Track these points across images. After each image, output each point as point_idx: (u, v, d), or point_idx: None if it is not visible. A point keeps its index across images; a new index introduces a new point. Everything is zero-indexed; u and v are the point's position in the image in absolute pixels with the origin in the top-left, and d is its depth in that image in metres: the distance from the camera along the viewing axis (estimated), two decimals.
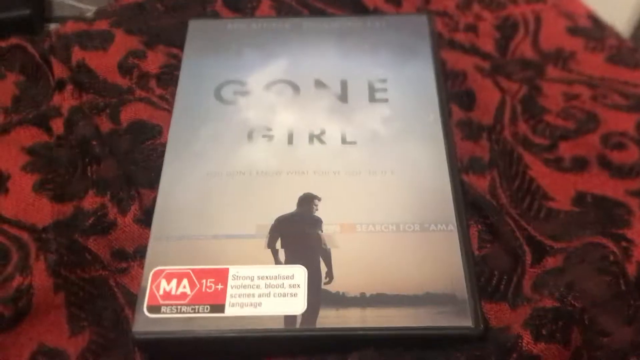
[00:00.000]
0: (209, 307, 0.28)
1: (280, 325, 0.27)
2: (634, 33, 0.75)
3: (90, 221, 0.32)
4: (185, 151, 0.33)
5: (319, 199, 0.31)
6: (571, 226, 0.32)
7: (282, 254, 0.29)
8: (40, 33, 0.41)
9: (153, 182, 0.33)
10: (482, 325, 0.28)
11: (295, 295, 0.28)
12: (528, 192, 0.33)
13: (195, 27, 0.40)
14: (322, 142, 0.34)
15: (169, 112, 0.36)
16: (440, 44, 0.40)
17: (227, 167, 0.33)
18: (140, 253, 0.31)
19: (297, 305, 0.28)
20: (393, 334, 0.28)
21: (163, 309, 0.28)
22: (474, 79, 0.38)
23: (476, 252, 0.31)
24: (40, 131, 0.35)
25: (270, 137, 0.34)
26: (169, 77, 0.38)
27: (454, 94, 0.38)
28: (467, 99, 0.37)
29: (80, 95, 0.37)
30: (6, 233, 0.31)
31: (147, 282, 0.29)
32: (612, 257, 0.30)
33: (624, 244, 0.31)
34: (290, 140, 0.34)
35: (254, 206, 0.31)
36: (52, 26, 0.42)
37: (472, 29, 0.41)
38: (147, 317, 0.28)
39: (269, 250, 0.30)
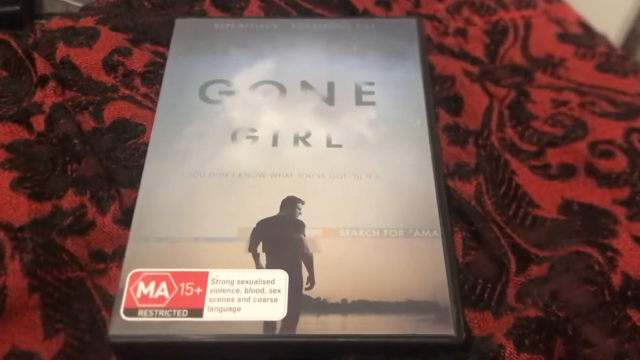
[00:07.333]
0: (187, 311, 0.27)
1: (259, 331, 0.27)
2: (624, 41, 0.75)
3: (68, 221, 0.31)
4: (168, 151, 0.33)
5: (302, 203, 0.31)
6: (557, 234, 0.31)
7: (263, 258, 0.29)
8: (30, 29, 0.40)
9: (134, 182, 0.32)
10: (464, 334, 0.27)
11: (275, 300, 0.28)
12: (514, 199, 0.33)
13: (182, 26, 0.39)
14: (307, 144, 0.33)
15: (153, 111, 0.35)
16: (429, 47, 0.40)
17: (210, 167, 0.32)
18: (118, 254, 0.30)
19: (277, 310, 0.27)
20: (374, 342, 0.27)
21: (140, 312, 0.27)
22: (462, 84, 0.38)
23: (460, 259, 0.31)
24: (21, 128, 0.34)
25: (255, 139, 0.33)
26: (154, 75, 0.37)
27: (441, 98, 0.37)
28: (455, 104, 0.37)
29: (63, 92, 0.36)
30: None
31: (124, 284, 0.28)
32: (597, 267, 0.30)
33: (609, 253, 0.30)
34: (274, 141, 0.33)
35: (235, 208, 0.31)
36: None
37: (461, 33, 0.41)
38: (123, 320, 0.27)
39: (250, 254, 0.29)
